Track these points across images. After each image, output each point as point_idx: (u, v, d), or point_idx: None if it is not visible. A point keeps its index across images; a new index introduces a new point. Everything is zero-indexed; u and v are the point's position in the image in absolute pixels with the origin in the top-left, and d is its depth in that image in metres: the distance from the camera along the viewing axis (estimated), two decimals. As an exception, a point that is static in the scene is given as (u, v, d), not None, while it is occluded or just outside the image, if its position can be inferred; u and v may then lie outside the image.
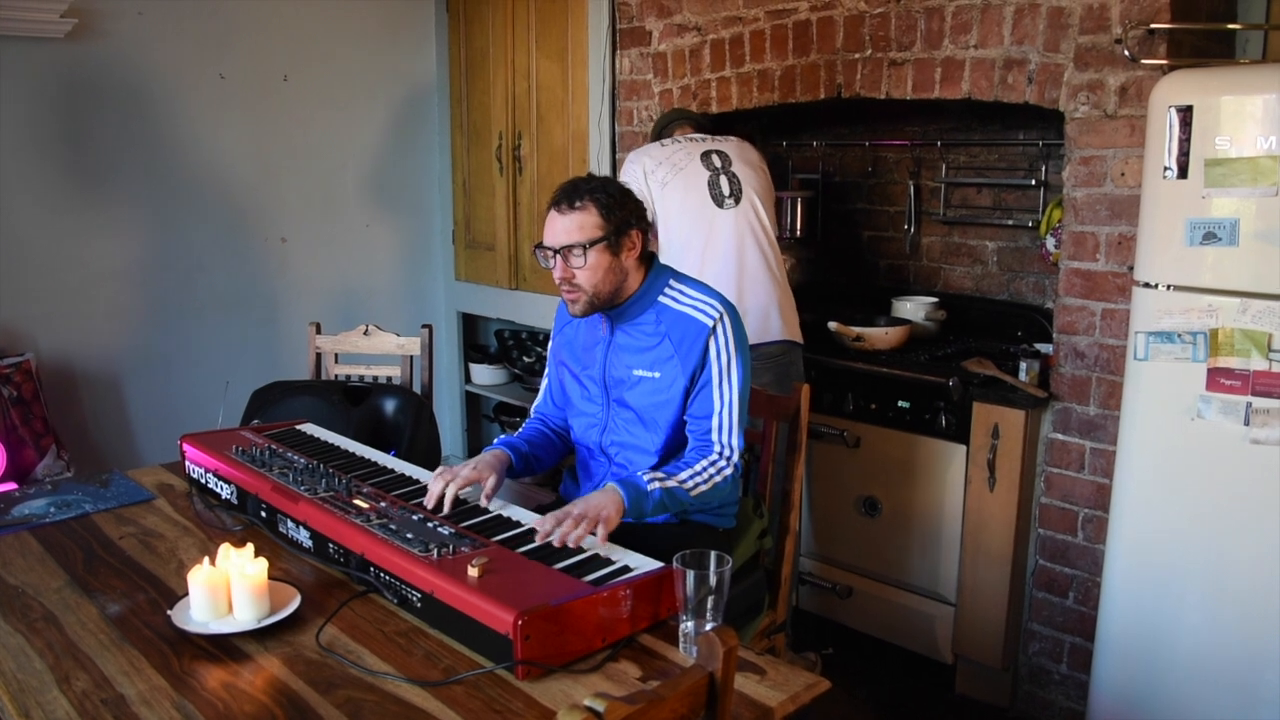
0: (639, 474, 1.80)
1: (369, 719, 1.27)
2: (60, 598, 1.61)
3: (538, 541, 1.61)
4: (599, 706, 0.96)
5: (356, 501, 1.78)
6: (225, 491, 2.00)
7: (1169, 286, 2.09)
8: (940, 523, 2.76)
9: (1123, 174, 2.37)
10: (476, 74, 4.06)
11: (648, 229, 1.95)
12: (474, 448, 4.50)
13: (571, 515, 1.65)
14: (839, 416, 2.94)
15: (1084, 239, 2.47)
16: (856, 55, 2.85)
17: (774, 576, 2.16)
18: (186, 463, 2.14)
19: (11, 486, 2.59)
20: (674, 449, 1.95)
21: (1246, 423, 2.00)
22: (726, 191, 2.67)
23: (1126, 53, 2.30)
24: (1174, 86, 2.05)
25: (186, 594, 1.52)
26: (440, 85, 4.28)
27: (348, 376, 2.96)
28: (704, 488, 1.84)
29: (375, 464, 2.06)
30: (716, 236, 2.64)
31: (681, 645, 1.46)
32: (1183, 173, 2.03)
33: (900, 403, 2.82)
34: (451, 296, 4.43)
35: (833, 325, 2.98)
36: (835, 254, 3.61)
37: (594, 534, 1.64)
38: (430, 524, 1.68)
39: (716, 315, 1.88)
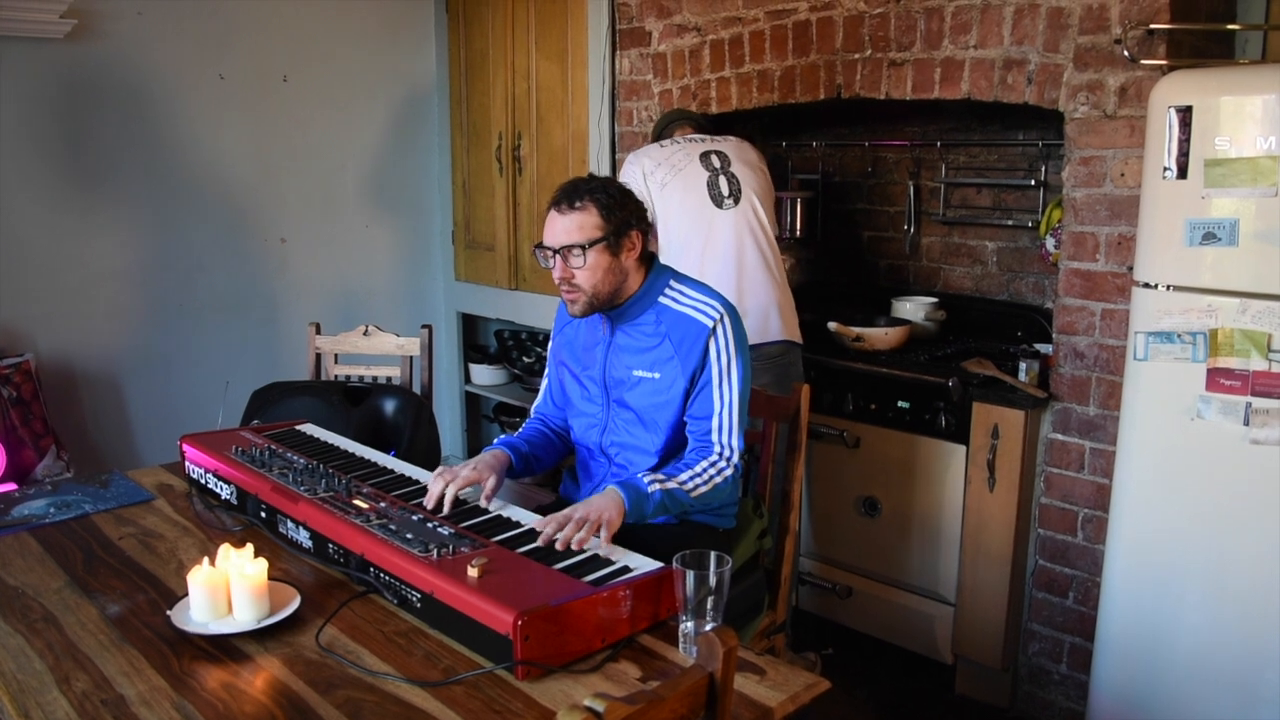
0: (639, 476, 1.80)
1: (369, 719, 1.27)
2: (60, 598, 1.61)
3: (540, 544, 1.61)
4: (599, 707, 0.96)
5: (356, 502, 1.78)
6: (225, 492, 2.00)
7: (1169, 287, 2.09)
8: (940, 523, 2.76)
9: (1122, 174, 2.37)
10: (476, 74, 4.06)
11: (648, 230, 1.95)
12: (474, 448, 4.50)
13: (573, 518, 1.65)
14: (839, 417, 2.94)
15: (1084, 239, 2.47)
16: (856, 56, 2.85)
17: (774, 577, 2.17)
18: (186, 463, 2.14)
19: (11, 487, 2.59)
20: (674, 449, 1.95)
21: (1246, 423, 2.00)
22: (726, 192, 2.67)
23: (1126, 53, 2.30)
24: (1173, 87, 2.05)
25: (186, 594, 1.52)
26: (440, 86, 4.28)
27: (347, 377, 2.96)
28: (704, 489, 1.84)
29: (375, 464, 2.06)
30: (716, 237, 2.64)
31: (681, 645, 1.46)
32: (1182, 173, 2.03)
33: (900, 403, 2.82)
34: (451, 297, 4.43)
35: (832, 325, 2.98)
36: (835, 254, 3.62)
37: (596, 536, 1.64)
38: (430, 524, 1.68)
39: (717, 316, 1.88)
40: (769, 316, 2.64)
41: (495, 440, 2.03)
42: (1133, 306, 2.18)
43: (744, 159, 2.74)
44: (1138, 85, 2.31)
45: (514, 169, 3.93)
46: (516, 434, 2.09)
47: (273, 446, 2.10)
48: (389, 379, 2.93)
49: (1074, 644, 2.59)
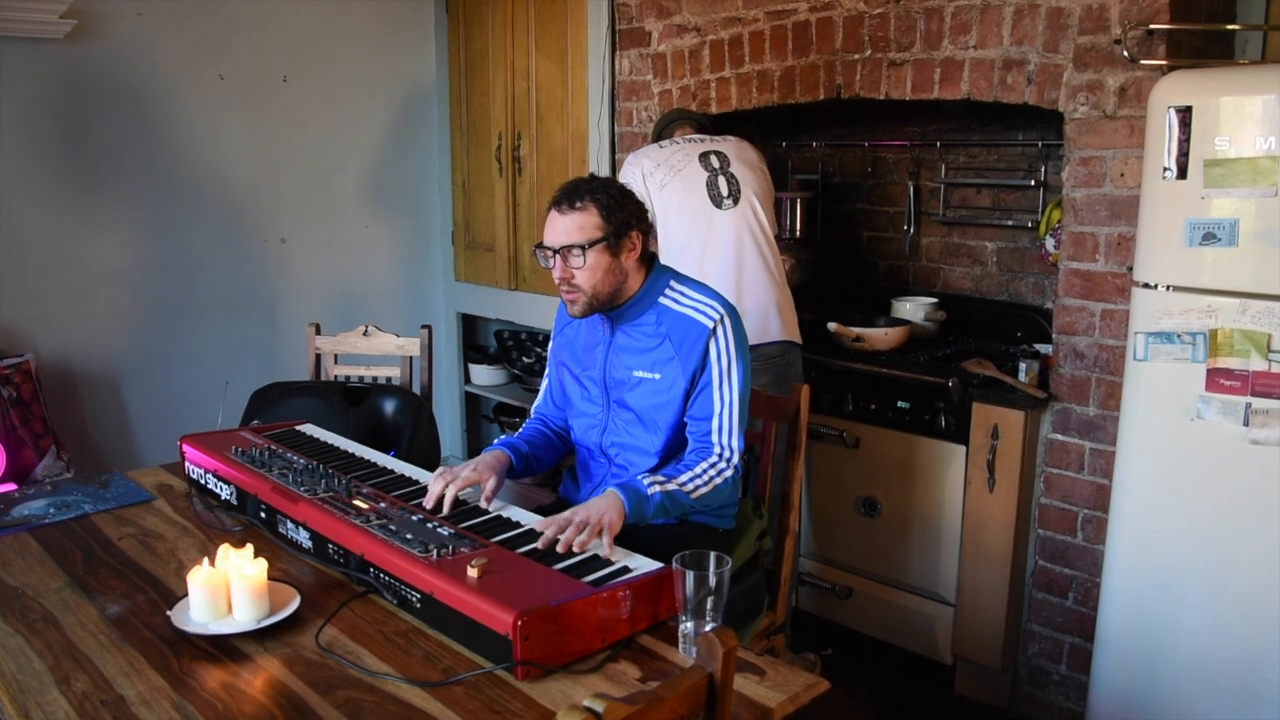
0: (639, 478, 1.79)
1: (368, 719, 1.27)
2: (60, 598, 1.61)
3: (540, 547, 1.61)
4: (598, 707, 0.96)
5: (356, 502, 1.78)
6: (225, 492, 2.00)
7: (1168, 287, 2.09)
8: (940, 523, 2.76)
9: (1122, 174, 2.38)
10: (476, 75, 4.06)
11: (648, 230, 1.95)
12: (473, 448, 4.50)
13: (574, 522, 1.65)
14: (838, 417, 2.94)
15: (1083, 239, 2.47)
16: (856, 56, 2.85)
17: (773, 577, 2.17)
18: (186, 463, 2.14)
19: (11, 487, 2.59)
20: (674, 450, 1.95)
21: (1246, 423, 2.00)
22: (725, 192, 2.67)
23: (1126, 53, 2.30)
24: (1173, 87, 2.05)
25: (186, 595, 1.52)
26: (440, 86, 4.28)
27: (347, 377, 2.96)
28: (704, 490, 1.84)
29: (375, 465, 2.07)
30: (715, 237, 2.64)
31: (681, 646, 1.46)
32: (1182, 173, 2.03)
33: (900, 403, 2.82)
34: (451, 297, 4.43)
35: (832, 326, 2.98)
36: (835, 254, 3.62)
37: (598, 539, 1.64)
38: (430, 525, 1.68)
39: (717, 317, 1.88)
40: (768, 317, 2.64)
41: (495, 441, 2.03)
42: (1132, 307, 2.18)
43: (743, 159, 2.74)
44: (1137, 85, 2.31)
45: (514, 169, 3.93)
46: (516, 434, 2.08)
47: (272, 447, 2.10)
48: (389, 379, 2.93)
49: (1074, 644, 2.59)
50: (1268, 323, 1.96)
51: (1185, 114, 2.01)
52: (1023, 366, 2.64)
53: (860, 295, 3.47)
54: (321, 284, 4.06)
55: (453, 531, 1.65)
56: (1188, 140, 2.01)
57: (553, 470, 2.15)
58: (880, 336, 2.95)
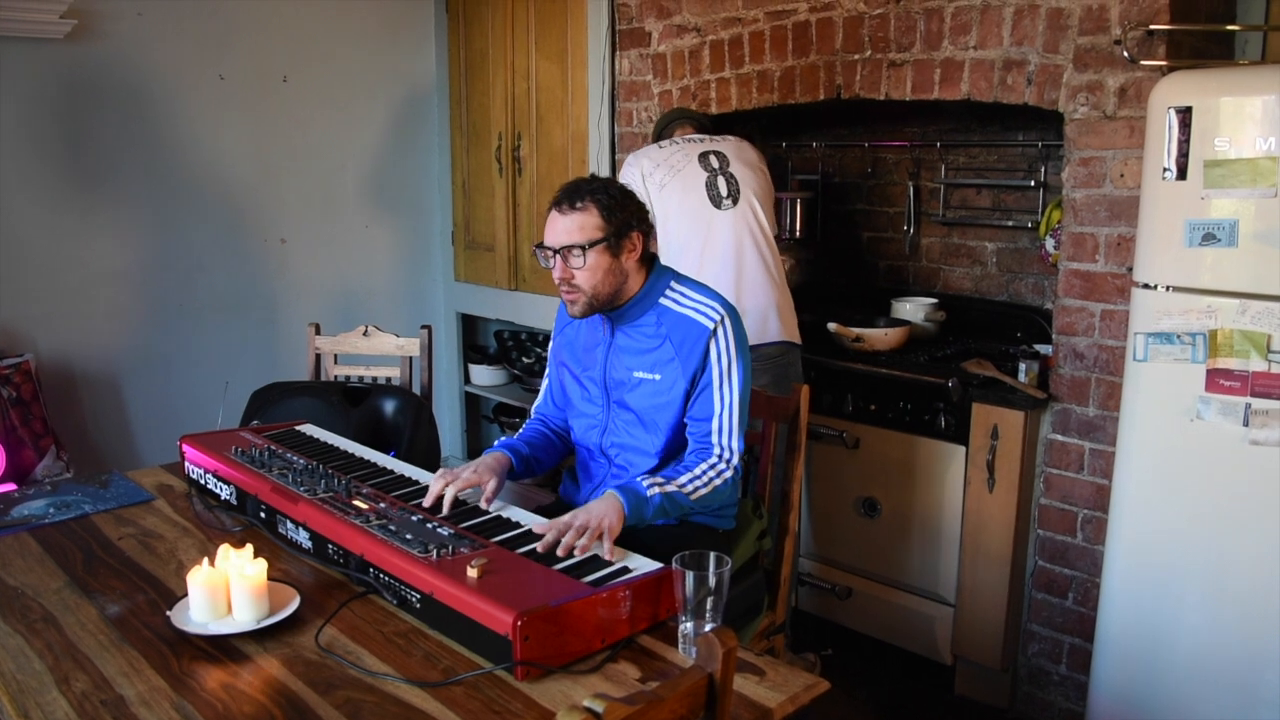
0: (638, 479, 1.79)
1: (368, 719, 1.28)
2: (60, 598, 1.61)
3: (540, 550, 1.61)
4: (598, 707, 0.96)
5: (356, 502, 1.78)
6: (225, 492, 2.00)
7: (1168, 288, 2.09)
8: (939, 524, 2.76)
9: (1122, 175, 2.38)
10: (476, 75, 4.06)
11: (649, 231, 1.95)
12: (473, 448, 4.50)
13: (573, 525, 1.64)
14: (838, 417, 2.94)
15: (1083, 240, 2.47)
16: (856, 56, 2.86)
17: (773, 577, 2.17)
18: (186, 463, 2.14)
19: (11, 487, 2.60)
20: (674, 451, 1.94)
21: (1245, 424, 2.00)
22: (724, 192, 2.67)
23: (1126, 54, 2.30)
24: (1173, 87, 2.05)
25: (186, 595, 1.52)
26: (440, 86, 4.28)
27: (347, 377, 2.96)
28: (704, 491, 1.84)
29: (375, 465, 2.07)
30: (714, 238, 2.64)
31: (681, 646, 1.46)
32: (1182, 174, 2.03)
33: (900, 403, 2.82)
34: (451, 297, 4.43)
35: (832, 326, 2.98)
36: (835, 255, 3.62)
37: (598, 542, 1.64)
38: (429, 525, 1.68)
39: (718, 318, 1.88)
40: (767, 317, 2.64)
41: (495, 443, 2.03)
42: (1132, 307, 2.18)
43: (743, 159, 2.74)
44: (1137, 86, 2.31)
45: (514, 169, 3.93)
46: (517, 436, 2.08)
47: (272, 447, 2.10)
48: (389, 379, 2.93)
49: (1073, 645, 2.59)
50: (1267, 323, 1.96)
51: (1185, 114, 2.01)
52: (1022, 367, 2.64)
53: (860, 295, 3.47)
54: (321, 284, 4.06)
55: (452, 532, 1.65)
56: (1187, 141, 2.01)
57: (553, 471, 2.15)
58: (880, 337, 2.95)
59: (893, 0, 2.74)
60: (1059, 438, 2.57)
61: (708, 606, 1.43)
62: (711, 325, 1.87)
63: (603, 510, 1.68)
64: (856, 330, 2.95)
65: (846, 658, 2.99)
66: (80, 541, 1.85)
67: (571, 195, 1.85)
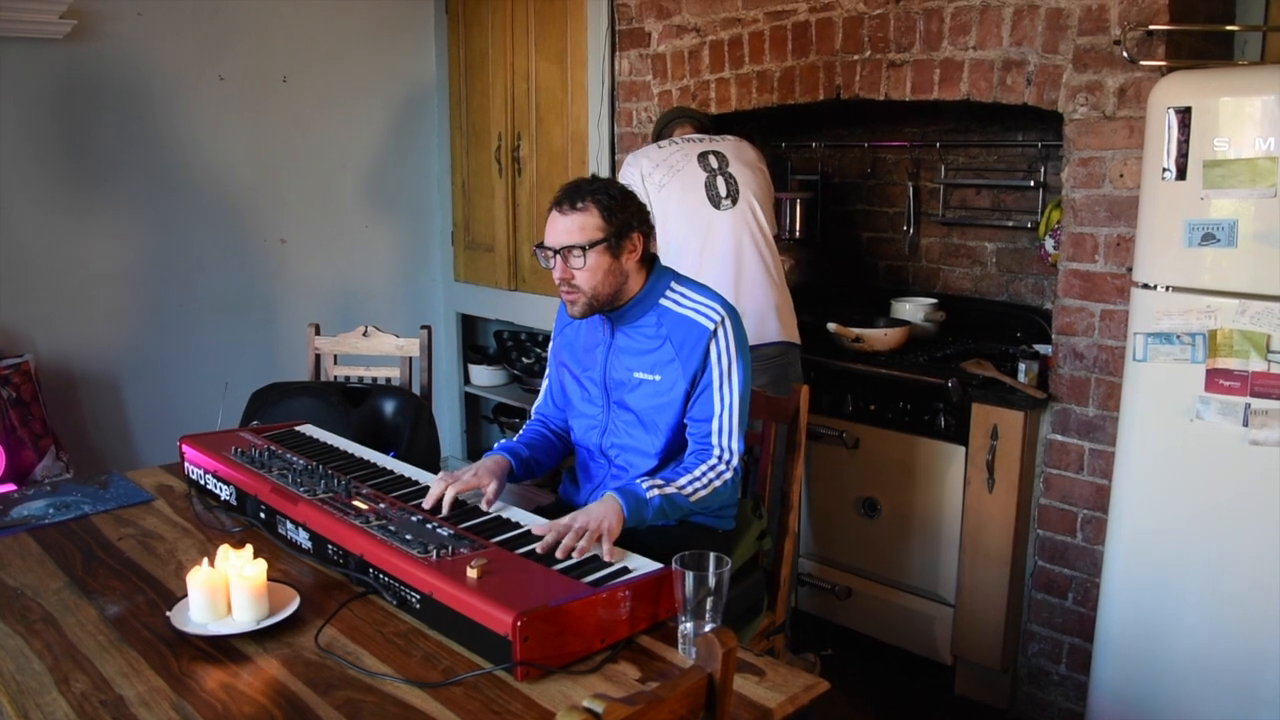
0: (637, 481, 1.79)
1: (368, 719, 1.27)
2: (59, 599, 1.61)
3: (539, 551, 1.61)
4: (598, 708, 0.96)
5: (355, 503, 1.78)
6: (224, 493, 2.00)
7: (1168, 288, 2.09)
8: (939, 524, 2.76)
9: (1121, 175, 2.38)
10: (476, 75, 4.06)
11: (650, 232, 1.95)
12: (473, 449, 4.50)
13: (573, 527, 1.64)
14: (838, 418, 2.94)
15: (1083, 240, 2.47)
16: (855, 56, 2.86)
17: (773, 578, 2.17)
18: (186, 464, 2.14)
19: (10, 488, 2.60)
20: (674, 451, 1.94)
21: (1245, 424, 2.00)
22: (723, 193, 2.67)
23: (1125, 54, 2.30)
24: (1172, 88, 2.05)
25: (185, 595, 1.52)
26: (439, 86, 4.28)
27: (347, 378, 2.96)
28: (703, 493, 1.84)
29: (374, 465, 2.07)
30: (714, 238, 2.64)
31: (680, 646, 1.46)
32: (1181, 174, 2.03)
33: (899, 404, 2.82)
34: (450, 297, 4.43)
35: (832, 326, 2.98)
36: (834, 255, 3.62)
37: (598, 544, 1.64)
38: (429, 525, 1.68)
39: (718, 319, 1.88)
40: (766, 317, 2.64)
41: (495, 445, 2.03)
42: (1132, 307, 2.18)
43: (742, 159, 2.74)
44: (1137, 86, 2.31)
45: (513, 170, 3.93)
46: (517, 437, 2.08)
47: (272, 447, 2.10)
48: (388, 380, 2.93)
49: (1073, 645, 2.59)
50: (1267, 323, 1.96)
51: (1184, 115, 2.01)
52: (1022, 367, 2.64)
53: (860, 296, 3.47)
54: (321, 284, 4.06)
55: (452, 532, 1.65)
56: (1187, 141, 2.02)
57: (553, 471, 2.15)
58: (880, 337, 2.95)
59: (892, 0, 2.74)
60: (1059, 438, 2.57)
61: (707, 607, 1.43)
62: (712, 326, 1.87)
63: (602, 512, 1.68)
64: (856, 330, 2.96)
65: (846, 658, 2.99)
66: (80, 542, 1.85)
67: (572, 195, 1.85)
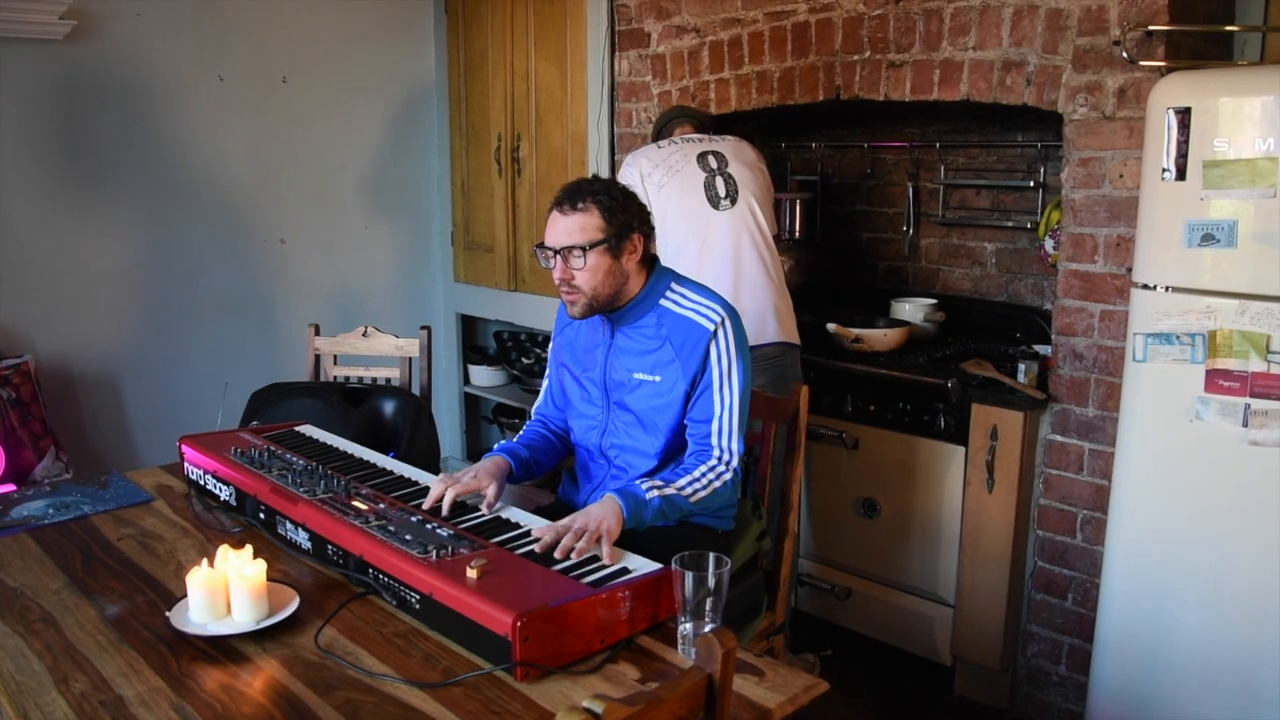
0: (637, 482, 1.79)
1: (368, 720, 1.27)
2: (59, 599, 1.61)
3: (538, 552, 1.61)
4: (597, 708, 0.96)
5: (355, 503, 1.78)
6: (224, 493, 2.00)
7: (1167, 288, 2.09)
8: (939, 524, 2.76)
9: (1121, 176, 2.38)
10: (475, 75, 4.06)
11: (651, 233, 1.95)
12: (473, 449, 4.50)
13: (572, 528, 1.64)
14: (838, 418, 2.94)
15: (1082, 240, 2.47)
16: (855, 57, 2.86)
17: (773, 578, 2.17)
18: (185, 464, 2.14)
19: (10, 488, 2.59)
20: (674, 452, 1.94)
21: (1245, 424, 2.00)
22: (722, 193, 2.67)
23: (1125, 54, 2.30)
24: (1172, 88, 2.05)
25: (185, 595, 1.52)
26: (439, 87, 4.28)
27: (346, 378, 2.96)
28: (703, 494, 1.84)
29: (374, 465, 2.07)
30: (713, 238, 2.64)
31: (680, 647, 1.46)
32: (1181, 174, 2.03)
33: (899, 404, 2.82)
34: (450, 298, 4.43)
35: (831, 327, 2.98)
36: (834, 255, 3.62)
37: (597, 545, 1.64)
38: (429, 525, 1.68)
39: (718, 319, 1.88)
40: (765, 318, 2.64)
41: (495, 446, 2.03)
42: (1131, 308, 2.18)
43: (742, 159, 2.74)
44: (1136, 87, 2.31)
45: (513, 170, 3.94)
46: (516, 438, 2.08)
47: (272, 448, 2.10)
48: (388, 380, 2.93)
49: (1073, 645, 2.59)
50: (1267, 324, 1.96)
51: (1184, 115, 2.01)
52: (1022, 367, 2.64)
53: (859, 296, 3.47)
54: (321, 285, 4.06)
55: (452, 532, 1.65)
56: (1186, 141, 2.02)
57: (553, 472, 2.15)
58: (879, 337, 2.95)
59: (892, 1, 2.74)
60: (1058, 438, 2.57)
61: (707, 607, 1.43)
62: (712, 327, 1.87)
63: (601, 513, 1.68)
64: (856, 331, 2.96)
65: (846, 658, 2.99)
66: (79, 542, 1.85)
67: (573, 196, 1.85)
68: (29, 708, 1.29)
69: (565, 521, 1.67)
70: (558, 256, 1.85)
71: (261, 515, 1.87)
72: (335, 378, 2.98)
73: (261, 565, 1.51)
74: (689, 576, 1.42)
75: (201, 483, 2.08)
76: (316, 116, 3.94)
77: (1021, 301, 3.15)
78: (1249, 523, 2.01)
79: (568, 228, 1.84)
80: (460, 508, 1.80)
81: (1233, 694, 2.07)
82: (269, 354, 3.91)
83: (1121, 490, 2.24)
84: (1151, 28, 2.26)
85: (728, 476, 1.87)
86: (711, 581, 1.42)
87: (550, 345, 2.16)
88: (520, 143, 3.89)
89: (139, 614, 1.55)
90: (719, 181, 2.67)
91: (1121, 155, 2.37)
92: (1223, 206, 1.99)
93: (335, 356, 3.01)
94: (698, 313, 1.89)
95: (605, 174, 3.43)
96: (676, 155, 2.72)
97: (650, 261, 1.96)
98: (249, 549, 1.52)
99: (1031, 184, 3.02)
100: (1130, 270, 2.25)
